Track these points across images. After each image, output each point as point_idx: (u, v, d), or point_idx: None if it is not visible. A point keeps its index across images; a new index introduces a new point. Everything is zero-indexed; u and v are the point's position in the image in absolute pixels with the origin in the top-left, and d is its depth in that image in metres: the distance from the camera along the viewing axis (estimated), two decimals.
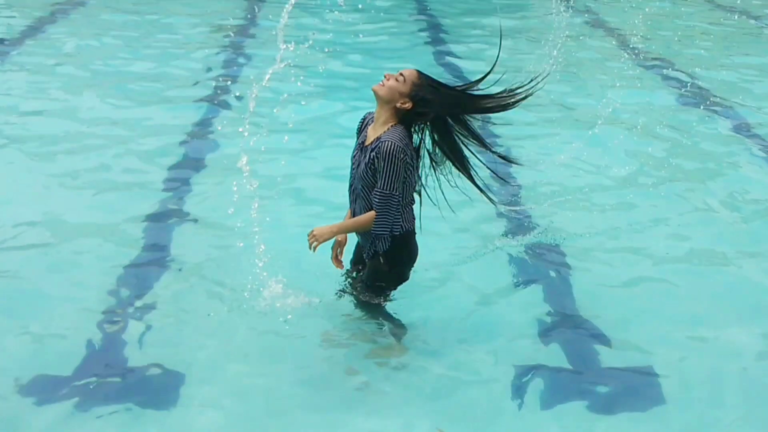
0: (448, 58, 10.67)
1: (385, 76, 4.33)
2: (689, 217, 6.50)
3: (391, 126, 4.33)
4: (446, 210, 5.29)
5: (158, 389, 4.38)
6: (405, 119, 4.34)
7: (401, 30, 11.85)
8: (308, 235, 4.38)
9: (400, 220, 4.38)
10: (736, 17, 13.22)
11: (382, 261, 4.46)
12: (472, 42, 11.32)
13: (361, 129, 4.51)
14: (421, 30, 12.07)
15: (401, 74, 4.32)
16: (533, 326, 5.07)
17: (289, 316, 4.87)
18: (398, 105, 4.30)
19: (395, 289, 4.66)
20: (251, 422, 4.19)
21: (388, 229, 4.33)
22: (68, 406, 4.20)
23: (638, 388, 4.60)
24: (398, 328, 4.78)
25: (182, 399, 4.30)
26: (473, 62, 10.30)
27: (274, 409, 4.28)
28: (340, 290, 4.86)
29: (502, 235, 6.12)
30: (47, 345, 4.67)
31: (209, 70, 9.57)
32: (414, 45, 11.32)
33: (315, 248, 4.39)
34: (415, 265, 4.63)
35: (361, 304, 4.77)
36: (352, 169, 4.47)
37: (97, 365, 4.54)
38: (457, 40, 11.51)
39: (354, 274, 4.79)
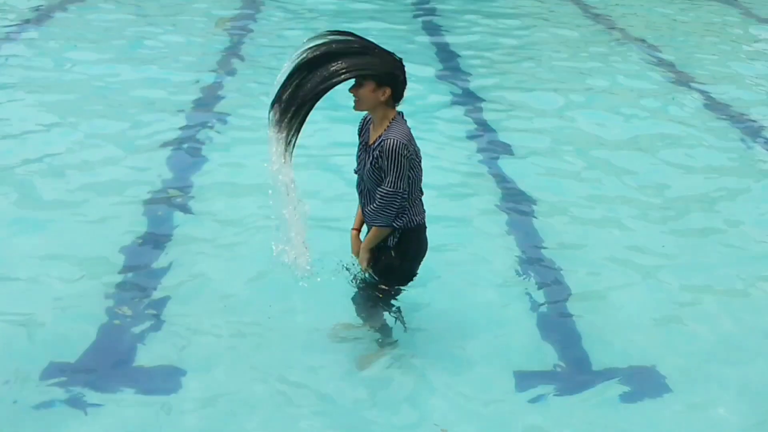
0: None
1: (352, 94, 4.21)
2: (687, 224, 6.43)
3: (391, 121, 4.27)
4: (446, 208, 5.26)
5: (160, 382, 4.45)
6: (396, 98, 4.26)
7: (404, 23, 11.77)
8: (363, 270, 4.54)
9: (408, 214, 4.37)
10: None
11: (393, 254, 4.46)
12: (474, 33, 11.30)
13: (362, 129, 4.48)
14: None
15: (358, 78, 4.18)
16: (532, 328, 5.08)
17: (293, 311, 4.93)
18: (382, 99, 4.22)
19: (405, 285, 4.64)
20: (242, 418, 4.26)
21: (388, 224, 4.33)
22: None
23: (639, 388, 4.63)
24: (389, 332, 4.78)
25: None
26: (475, 51, 10.34)
27: (264, 408, 4.32)
28: (354, 281, 4.82)
29: (502, 235, 6.11)
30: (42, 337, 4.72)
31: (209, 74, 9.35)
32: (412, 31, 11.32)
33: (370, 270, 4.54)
34: (423, 260, 4.61)
35: (366, 301, 4.75)
36: (359, 169, 4.46)
37: (99, 359, 4.59)
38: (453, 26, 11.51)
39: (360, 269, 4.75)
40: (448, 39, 10.93)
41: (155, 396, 4.35)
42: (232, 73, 9.26)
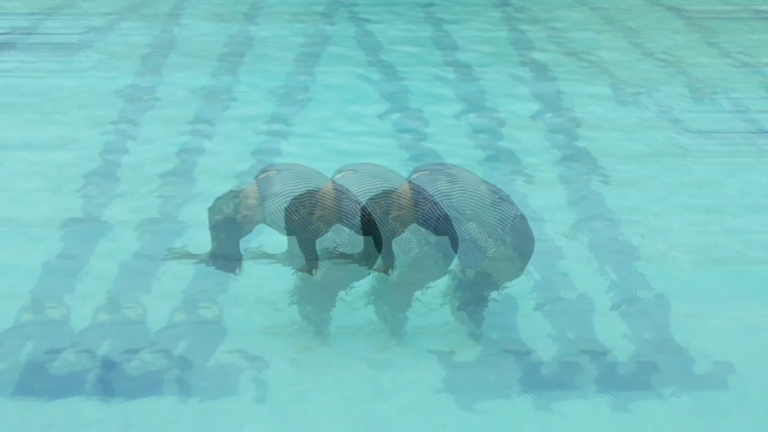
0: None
1: None
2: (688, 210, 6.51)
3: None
4: None
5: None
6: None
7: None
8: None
9: None
10: None
11: None
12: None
13: None
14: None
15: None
16: (530, 316, 5.10)
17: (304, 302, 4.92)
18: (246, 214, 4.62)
19: None
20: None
21: None
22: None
23: (638, 377, 4.66)
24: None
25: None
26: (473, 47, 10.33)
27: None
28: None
29: None
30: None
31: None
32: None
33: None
34: None
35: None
36: None
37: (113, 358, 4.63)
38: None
39: None
40: (454, 36, 10.93)
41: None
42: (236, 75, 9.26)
